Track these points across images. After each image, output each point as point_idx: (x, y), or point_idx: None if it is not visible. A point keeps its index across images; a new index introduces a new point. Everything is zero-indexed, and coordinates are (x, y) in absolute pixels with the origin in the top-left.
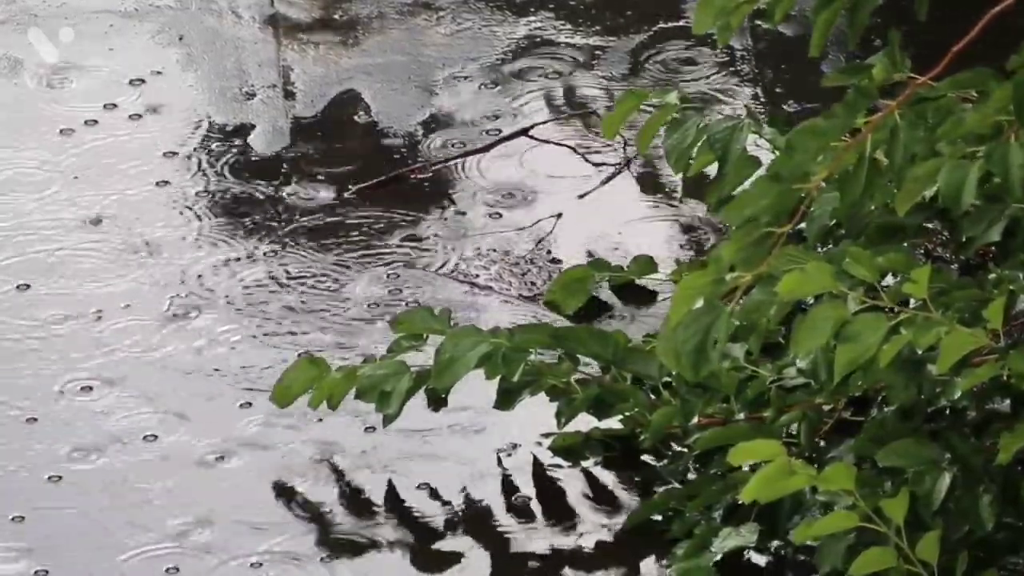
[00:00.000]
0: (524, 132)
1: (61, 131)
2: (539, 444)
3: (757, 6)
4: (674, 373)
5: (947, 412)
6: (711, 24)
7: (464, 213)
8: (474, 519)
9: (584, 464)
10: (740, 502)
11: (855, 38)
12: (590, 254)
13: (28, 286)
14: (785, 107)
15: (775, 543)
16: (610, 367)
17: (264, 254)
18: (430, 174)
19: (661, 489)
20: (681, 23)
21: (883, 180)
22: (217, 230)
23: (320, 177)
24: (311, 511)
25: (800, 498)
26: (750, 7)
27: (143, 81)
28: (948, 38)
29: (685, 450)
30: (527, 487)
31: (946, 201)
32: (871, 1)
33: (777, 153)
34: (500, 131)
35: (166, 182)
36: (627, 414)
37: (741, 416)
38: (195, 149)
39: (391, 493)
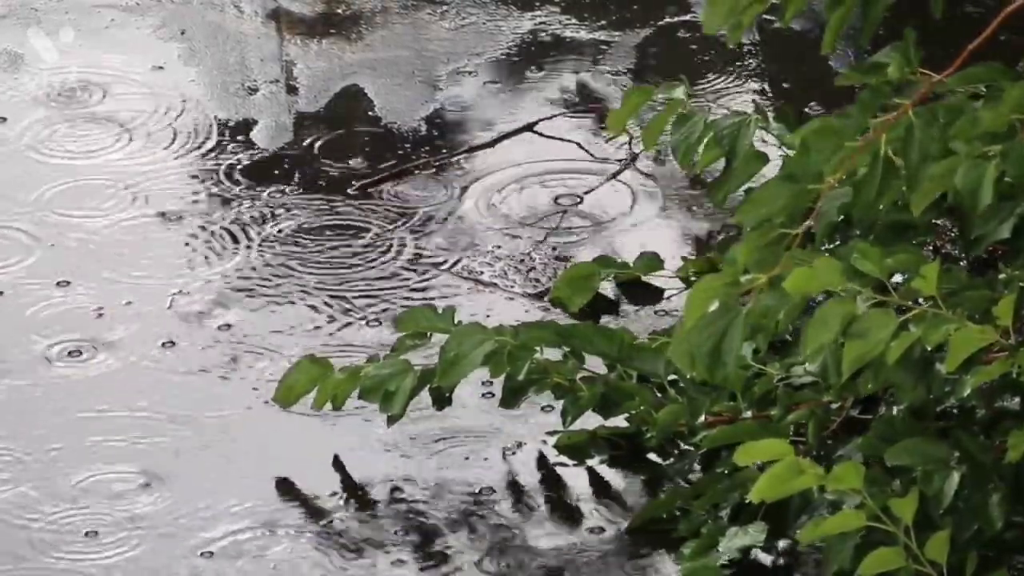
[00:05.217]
0: (529, 127)
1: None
2: (544, 442)
3: (768, 4)
4: (680, 371)
5: (956, 410)
6: (722, 24)
7: (468, 209)
8: (479, 518)
9: (590, 463)
10: (747, 501)
11: (868, 35)
12: (595, 251)
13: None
14: (792, 102)
15: (783, 542)
16: (616, 365)
17: (266, 250)
18: (434, 170)
19: (667, 488)
20: (688, 17)
21: (898, 180)
22: (219, 226)
23: (323, 173)
24: (312, 509)
25: (808, 497)
26: (761, 6)
27: (144, 77)
28: (959, 35)
29: (692, 448)
30: (532, 486)
31: (963, 200)
32: None
33: (786, 149)
34: (505, 127)
35: (168, 178)
36: (633, 412)
37: (748, 414)
38: (197, 145)
39: (394, 491)
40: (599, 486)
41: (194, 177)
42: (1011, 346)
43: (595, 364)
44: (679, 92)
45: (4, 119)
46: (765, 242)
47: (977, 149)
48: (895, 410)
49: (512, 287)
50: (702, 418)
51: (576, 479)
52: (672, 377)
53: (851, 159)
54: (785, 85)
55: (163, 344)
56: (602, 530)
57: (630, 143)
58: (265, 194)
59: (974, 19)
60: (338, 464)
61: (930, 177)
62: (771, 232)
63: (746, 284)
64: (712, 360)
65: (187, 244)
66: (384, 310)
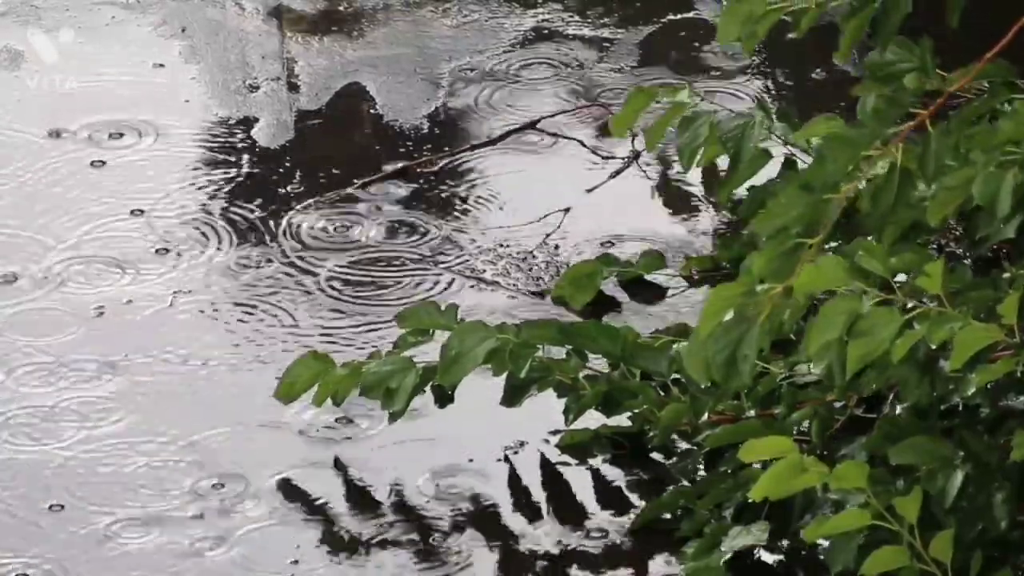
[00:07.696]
0: (532, 125)
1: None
2: (547, 441)
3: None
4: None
5: (961, 409)
6: (737, 34)
7: (470, 207)
8: (481, 517)
9: (592, 462)
10: (751, 500)
11: (886, 45)
12: (598, 249)
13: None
14: (795, 100)
15: (786, 542)
16: (619, 363)
17: (267, 249)
18: (436, 168)
19: (670, 487)
20: (691, 15)
21: (913, 188)
22: (220, 225)
23: (324, 171)
24: (315, 509)
25: (811, 496)
26: (777, 16)
27: (145, 75)
28: (973, 43)
29: (695, 447)
30: (535, 485)
31: (983, 209)
32: (901, 8)
33: (790, 148)
34: (507, 124)
35: (169, 176)
36: (636, 411)
37: (752, 413)
38: (198, 143)
39: (397, 490)
40: (601, 485)
41: (194, 176)
42: (1016, 344)
43: (598, 363)
44: (683, 95)
45: None
46: (781, 252)
47: (995, 159)
48: (899, 409)
49: (514, 285)
50: (705, 417)
51: (578, 478)
52: (675, 376)
53: (869, 170)
54: (788, 83)
55: (170, 355)
56: (604, 529)
57: (633, 141)
58: (265, 193)
59: (983, 23)
60: (339, 463)
61: (947, 187)
62: (787, 242)
63: (762, 294)
64: (728, 369)
65: (187, 243)
66: (387, 308)
